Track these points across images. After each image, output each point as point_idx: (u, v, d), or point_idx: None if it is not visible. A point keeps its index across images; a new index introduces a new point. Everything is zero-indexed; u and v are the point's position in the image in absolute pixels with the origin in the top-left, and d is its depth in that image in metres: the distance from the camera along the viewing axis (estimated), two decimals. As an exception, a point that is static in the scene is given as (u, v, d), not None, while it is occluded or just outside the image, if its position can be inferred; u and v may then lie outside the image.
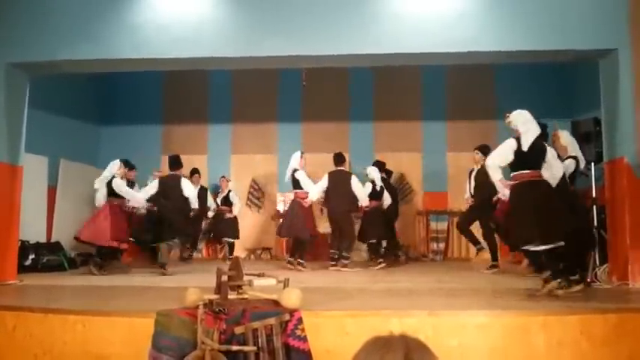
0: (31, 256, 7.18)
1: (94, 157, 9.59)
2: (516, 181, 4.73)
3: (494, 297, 4.61)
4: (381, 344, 1.14)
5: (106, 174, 7.14)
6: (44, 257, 7.32)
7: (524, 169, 4.70)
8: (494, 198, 6.88)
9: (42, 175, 8.30)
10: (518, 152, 4.68)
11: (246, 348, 3.26)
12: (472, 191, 7.29)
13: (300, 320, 3.44)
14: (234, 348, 3.26)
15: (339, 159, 7.70)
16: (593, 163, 5.86)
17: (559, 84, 8.95)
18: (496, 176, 4.86)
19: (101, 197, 7.11)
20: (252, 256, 9.85)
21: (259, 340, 3.29)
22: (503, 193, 5.03)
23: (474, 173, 7.34)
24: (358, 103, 10.18)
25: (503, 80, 9.62)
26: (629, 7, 5.58)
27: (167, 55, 5.95)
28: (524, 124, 4.71)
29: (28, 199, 6.64)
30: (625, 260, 5.31)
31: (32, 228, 7.47)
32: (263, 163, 10.32)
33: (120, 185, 7.09)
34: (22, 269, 6.61)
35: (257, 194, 10.31)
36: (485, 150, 7.31)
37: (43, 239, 7.95)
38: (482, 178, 7.09)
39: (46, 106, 8.00)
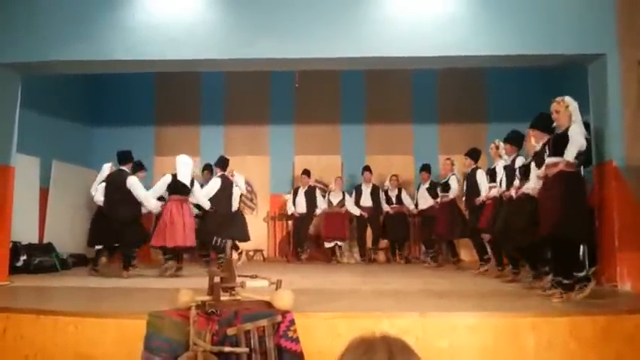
0: (23, 258, 7.13)
1: (86, 158, 9.55)
2: (571, 170, 4.60)
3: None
4: (364, 349, 1.15)
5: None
6: (36, 258, 7.27)
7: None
8: (479, 199, 6.93)
9: (34, 176, 8.24)
10: None
11: (238, 349, 3.27)
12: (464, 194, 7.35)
13: (292, 322, 3.45)
14: (227, 349, 3.27)
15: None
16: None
17: (549, 88, 9.00)
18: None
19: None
20: (245, 258, 9.84)
21: (251, 342, 3.30)
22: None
23: (465, 176, 7.39)
24: (350, 105, 10.21)
25: (494, 84, 9.69)
26: (617, 13, 5.66)
27: (160, 56, 5.95)
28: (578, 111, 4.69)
29: (19, 200, 6.61)
30: (614, 262, 5.37)
31: (24, 229, 7.42)
32: (255, 165, 10.32)
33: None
34: (14, 270, 6.57)
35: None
36: (475, 155, 7.35)
37: (34, 240, 7.90)
38: (471, 180, 7.17)
39: (38, 107, 7.97)
